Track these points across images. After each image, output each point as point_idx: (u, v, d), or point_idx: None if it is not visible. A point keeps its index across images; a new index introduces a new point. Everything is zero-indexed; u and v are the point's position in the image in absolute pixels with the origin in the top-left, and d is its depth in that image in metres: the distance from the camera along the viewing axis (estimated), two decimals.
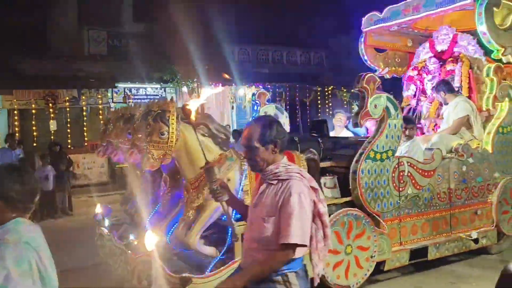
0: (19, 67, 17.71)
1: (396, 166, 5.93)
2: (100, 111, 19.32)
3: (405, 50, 8.83)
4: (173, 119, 4.51)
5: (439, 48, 7.98)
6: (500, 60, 7.14)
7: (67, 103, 18.54)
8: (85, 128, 18.81)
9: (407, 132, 6.46)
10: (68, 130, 17.81)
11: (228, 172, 4.83)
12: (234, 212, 4.66)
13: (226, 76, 18.57)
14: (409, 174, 6.02)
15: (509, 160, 7.07)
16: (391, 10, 7.93)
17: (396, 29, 8.38)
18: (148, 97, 22.95)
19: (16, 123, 17.06)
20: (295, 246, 2.76)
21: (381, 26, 8.15)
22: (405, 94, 8.20)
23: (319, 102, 23.77)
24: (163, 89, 21.63)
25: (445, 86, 7.19)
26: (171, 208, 5.23)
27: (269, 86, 23.95)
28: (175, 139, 4.51)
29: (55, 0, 21.06)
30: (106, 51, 21.38)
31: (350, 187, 5.75)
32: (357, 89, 5.72)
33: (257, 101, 7.40)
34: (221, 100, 24.01)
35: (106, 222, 5.49)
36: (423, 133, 7.61)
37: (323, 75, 23.95)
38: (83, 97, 18.99)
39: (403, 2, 7.74)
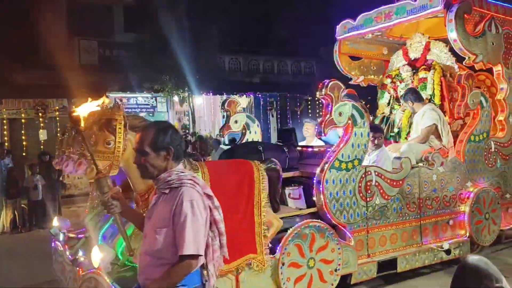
0: (9, 77, 17.39)
1: (363, 175, 5.61)
2: None
3: (380, 58, 8.56)
4: (120, 128, 4.18)
5: (412, 55, 7.70)
6: (473, 68, 6.85)
7: (57, 113, 18.18)
8: None
9: (375, 141, 6.14)
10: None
11: None
12: None
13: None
14: (376, 183, 5.71)
15: (481, 169, 6.76)
16: (363, 18, 7.65)
17: (370, 37, 8.08)
18: (139, 106, 22.72)
19: (5, 132, 16.76)
20: (192, 257, 2.53)
21: (354, 34, 7.83)
22: (380, 102, 7.87)
23: (309, 111, 23.47)
24: (154, 98, 21.37)
25: (412, 94, 6.89)
26: (125, 222, 4.87)
27: (259, 95, 23.74)
28: (122, 149, 4.16)
29: (46, 9, 20.71)
30: (97, 61, 21.06)
31: (315, 198, 5.39)
32: (321, 96, 5.37)
33: (227, 109, 7.06)
34: (212, 109, 23.77)
35: (61, 236, 5.13)
36: (396, 142, 7.28)
37: (314, 84, 23.64)
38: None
39: (375, 10, 7.47)
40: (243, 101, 21.97)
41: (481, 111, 6.79)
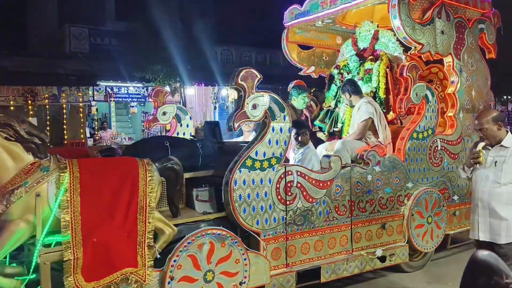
0: None
1: (282, 176, 4.61)
2: (81, 109, 18.06)
3: (334, 48, 7.53)
4: None
5: (361, 45, 6.69)
6: (420, 58, 5.85)
7: (47, 101, 17.28)
8: (65, 126, 17.52)
9: (299, 138, 5.15)
10: (48, 128, 16.24)
11: (38, 186, 3.50)
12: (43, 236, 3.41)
13: None
14: (299, 185, 4.72)
15: (424, 168, 5.76)
16: (310, 3, 6.68)
17: (321, 25, 7.05)
18: (130, 96, 21.76)
19: None
20: None
21: (301, 21, 6.79)
22: (327, 94, 6.84)
23: None
24: (145, 88, 20.42)
25: (350, 86, 5.90)
26: None
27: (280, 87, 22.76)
28: None
29: None
30: (88, 49, 20.09)
31: (223, 201, 4.41)
32: (234, 87, 4.37)
33: (153, 100, 6.05)
34: (203, 100, 22.85)
35: None
36: (340, 138, 6.27)
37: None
38: (63, 95, 17.71)
39: None
40: (235, 93, 21.01)
41: (426, 105, 5.76)
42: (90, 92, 19.32)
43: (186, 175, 4.67)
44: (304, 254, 4.84)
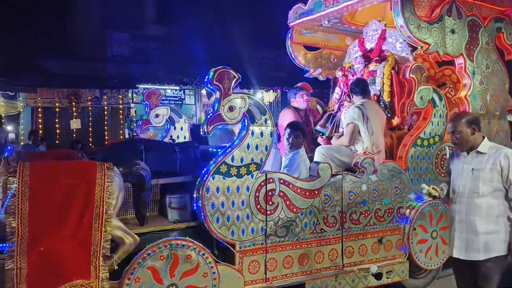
0: (44, 67, 16.87)
1: (263, 184, 4.19)
2: (121, 111, 18.22)
3: (343, 49, 7.02)
4: None
5: (368, 46, 6.17)
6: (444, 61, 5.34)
7: (89, 103, 17.56)
8: (106, 128, 17.73)
9: (290, 140, 4.72)
10: (90, 129, 16.68)
11: None
12: None
13: None
14: (281, 193, 4.28)
15: (430, 178, 5.23)
16: (313, 2, 6.23)
17: (328, 25, 6.58)
18: (168, 98, 21.79)
19: (39, 120, 16.06)
20: None
21: (306, 20, 6.35)
22: (331, 98, 6.37)
23: None
24: (182, 91, 20.45)
25: (356, 86, 5.39)
26: None
27: (286, 90, 22.38)
28: None
29: (81, 2, 20.17)
30: (128, 53, 20.29)
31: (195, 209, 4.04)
32: (209, 88, 4.00)
33: (146, 102, 5.75)
34: None
35: None
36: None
37: None
38: (105, 97, 17.90)
39: None
40: (270, 95, 20.81)
41: (432, 110, 5.20)
42: (130, 95, 19.45)
43: (161, 180, 4.31)
44: (286, 268, 4.40)
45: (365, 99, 5.29)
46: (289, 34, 6.68)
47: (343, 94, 6.17)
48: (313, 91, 6.79)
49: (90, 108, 17.83)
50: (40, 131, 14.87)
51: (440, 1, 5.37)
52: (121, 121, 18.45)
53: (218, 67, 4.06)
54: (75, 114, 16.85)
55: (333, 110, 6.15)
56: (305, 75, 6.94)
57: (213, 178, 4.03)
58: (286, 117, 5.84)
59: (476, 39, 5.59)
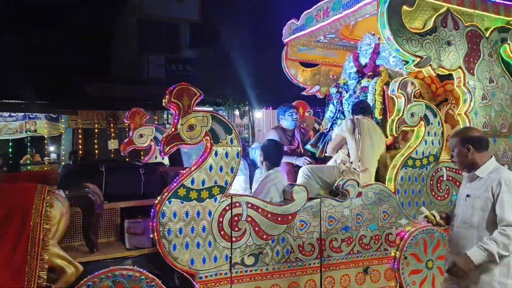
0: (85, 90, 17.23)
1: (227, 208, 3.80)
2: None
3: (340, 65, 6.56)
4: None
5: (362, 61, 5.73)
6: (446, 76, 4.89)
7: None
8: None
9: (261, 158, 4.32)
10: None
11: None
12: None
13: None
14: (249, 219, 3.87)
15: (424, 202, 4.70)
16: (305, 17, 5.89)
17: (325, 40, 6.20)
18: None
19: (80, 141, 16.39)
20: None
21: (299, 36, 6.01)
22: (325, 116, 5.93)
23: None
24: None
25: (355, 106, 4.99)
26: None
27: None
28: None
29: (120, 28, 20.64)
30: (164, 75, 20.62)
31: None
32: (167, 105, 3.68)
33: (129, 121, 5.48)
34: (270, 123, 22.53)
35: None
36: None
37: None
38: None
39: (315, 7, 5.64)
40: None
41: (425, 128, 4.69)
42: (165, 116, 19.62)
43: (121, 204, 3.98)
44: None
45: (363, 118, 4.83)
46: (284, 50, 6.29)
47: (337, 112, 5.72)
48: (313, 109, 6.37)
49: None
50: (80, 151, 15.13)
51: (433, 11, 4.87)
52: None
53: (177, 84, 3.71)
54: (113, 135, 17.05)
55: (326, 129, 5.69)
56: (302, 93, 6.53)
57: (169, 202, 3.67)
58: (268, 136, 5.45)
59: (476, 51, 5.07)
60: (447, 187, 4.86)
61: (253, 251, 3.97)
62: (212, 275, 3.82)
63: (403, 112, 4.63)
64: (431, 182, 4.79)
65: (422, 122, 4.75)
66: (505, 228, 2.86)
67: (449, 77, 5.21)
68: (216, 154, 3.84)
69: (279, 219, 4.06)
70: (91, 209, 3.55)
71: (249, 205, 3.95)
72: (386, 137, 5.04)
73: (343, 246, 4.33)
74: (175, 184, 3.73)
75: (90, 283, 3.31)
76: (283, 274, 4.09)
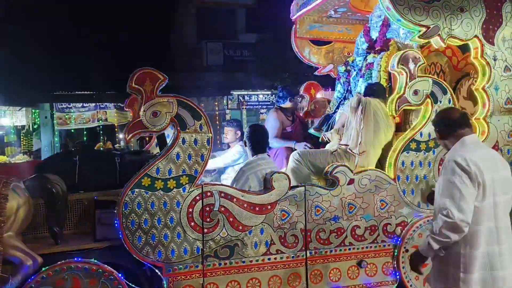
0: None
1: (198, 198, 3.46)
2: (217, 117, 18.50)
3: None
4: None
5: (373, 35, 5.08)
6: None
7: None
8: None
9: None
10: None
11: None
12: None
13: None
14: (222, 209, 3.51)
15: (429, 188, 4.05)
16: None
17: (337, 15, 5.61)
18: (260, 103, 21.66)
19: None
20: None
21: (307, 11, 5.47)
22: (334, 96, 5.38)
23: None
24: (273, 95, 20.28)
25: (368, 89, 4.44)
26: None
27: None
28: None
29: (178, 16, 20.85)
30: (222, 62, 20.59)
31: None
32: (130, 91, 3.39)
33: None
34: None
35: None
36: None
37: None
38: (202, 105, 18.29)
39: None
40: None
41: (432, 107, 4.05)
42: (225, 101, 19.60)
43: (92, 194, 3.75)
44: None
45: (378, 99, 4.27)
46: (293, 29, 5.76)
47: (345, 92, 5.14)
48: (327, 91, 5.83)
49: None
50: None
51: None
52: (218, 127, 18.58)
53: (140, 69, 3.38)
54: None
55: (332, 111, 5.13)
56: (314, 73, 5.97)
57: (133, 192, 3.38)
58: (269, 120, 5.02)
59: (497, 17, 4.31)
60: None
61: (228, 243, 3.60)
62: (182, 268, 3.51)
63: (404, 89, 4.00)
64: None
65: (429, 100, 4.07)
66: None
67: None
68: (183, 141, 3.49)
69: (257, 209, 3.66)
70: (52, 200, 3.33)
71: (222, 195, 3.58)
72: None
73: (332, 237, 3.84)
74: (138, 173, 3.40)
75: (44, 275, 3.13)
76: (262, 267, 3.68)
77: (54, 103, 16.38)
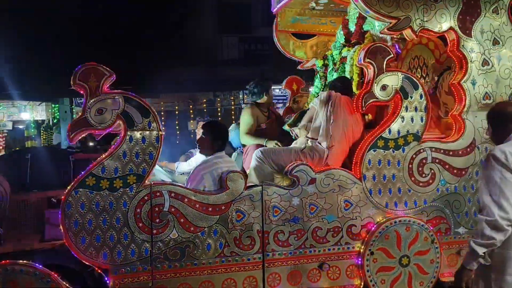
0: (166, 74, 17.56)
1: (146, 198, 3.25)
2: (232, 112, 18.43)
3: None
4: None
5: (352, 27, 4.76)
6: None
7: (204, 105, 18.02)
8: None
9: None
10: None
11: None
12: None
13: None
14: (172, 209, 3.29)
15: (399, 189, 3.76)
16: None
17: (320, 7, 5.31)
18: (276, 97, 21.40)
19: (162, 122, 17.15)
20: None
21: (287, 3, 5.16)
22: (312, 91, 5.10)
23: None
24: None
25: (333, 85, 4.15)
26: None
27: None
28: None
29: (196, 11, 20.74)
30: (239, 55, 20.37)
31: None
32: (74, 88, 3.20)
33: None
34: None
35: None
36: None
37: None
38: (218, 99, 18.26)
39: None
40: None
41: (403, 103, 3.73)
42: (241, 96, 19.45)
43: (48, 193, 3.58)
44: None
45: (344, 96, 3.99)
46: (275, 22, 5.47)
47: (323, 86, 4.85)
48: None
49: (205, 110, 18.05)
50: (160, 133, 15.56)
51: None
52: (232, 122, 18.55)
53: (84, 65, 3.17)
54: (191, 116, 17.18)
55: (308, 106, 4.85)
56: (297, 68, 5.68)
57: (76, 192, 3.18)
58: (243, 116, 4.77)
59: (475, 7, 3.96)
60: (431, 172, 3.87)
61: (179, 245, 3.38)
62: (129, 270, 3.30)
63: (371, 84, 3.69)
64: (410, 166, 3.82)
65: (398, 96, 3.76)
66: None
67: None
68: (131, 139, 3.27)
69: (210, 209, 3.42)
70: None
71: (173, 195, 3.35)
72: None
73: (291, 239, 3.58)
74: (83, 173, 3.20)
75: None
76: (215, 269, 3.44)
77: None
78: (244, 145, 4.86)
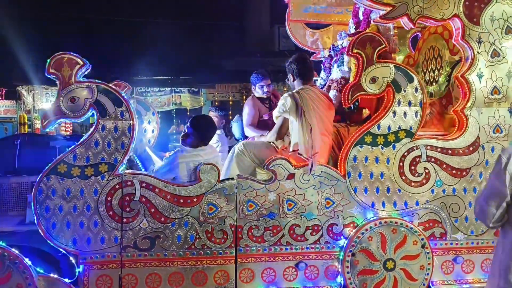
0: (221, 64, 17.61)
1: (117, 186, 3.11)
2: None
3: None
4: None
5: (361, 16, 4.31)
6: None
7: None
8: None
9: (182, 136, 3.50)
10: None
11: None
12: None
13: None
14: (143, 199, 3.12)
15: (388, 188, 3.35)
16: None
17: None
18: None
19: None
20: None
21: None
22: (317, 84, 4.71)
23: None
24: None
25: (295, 64, 3.72)
26: None
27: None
28: None
29: (253, 2, 20.53)
30: (294, 46, 19.93)
31: None
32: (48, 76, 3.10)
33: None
34: None
35: None
36: None
37: None
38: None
39: None
40: None
41: (395, 96, 3.30)
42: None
43: (32, 178, 3.54)
44: None
45: (306, 85, 3.60)
46: (287, 11, 5.10)
47: (327, 78, 4.45)
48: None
49: None
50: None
51: None
52: None
53: (57, 54, 3.05)
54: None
55: None
56: (311, 58, 5.25)
57: (48, 178, 3.08)
58: (245, 108, 4.48)
59: None
60: (425, 171, 3.39)
61: (149, 234, 3.19)
62: (99, 257, 3.16)
63: (360, 76, 3.27)
64: (401, 164, 3.37)
65: (390, 89, 3.31)
66: None
67: None
68: (103, 128, 3.10)
69: (181, 201, 3.20)
70: None
71: (144, 184, 3.16)
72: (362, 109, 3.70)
73: (266, 235, 3.28)
74: (54, 160, 3.09)
75: None
76: (185, 261, 3.23)
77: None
78: (247, 137, 4.57)
